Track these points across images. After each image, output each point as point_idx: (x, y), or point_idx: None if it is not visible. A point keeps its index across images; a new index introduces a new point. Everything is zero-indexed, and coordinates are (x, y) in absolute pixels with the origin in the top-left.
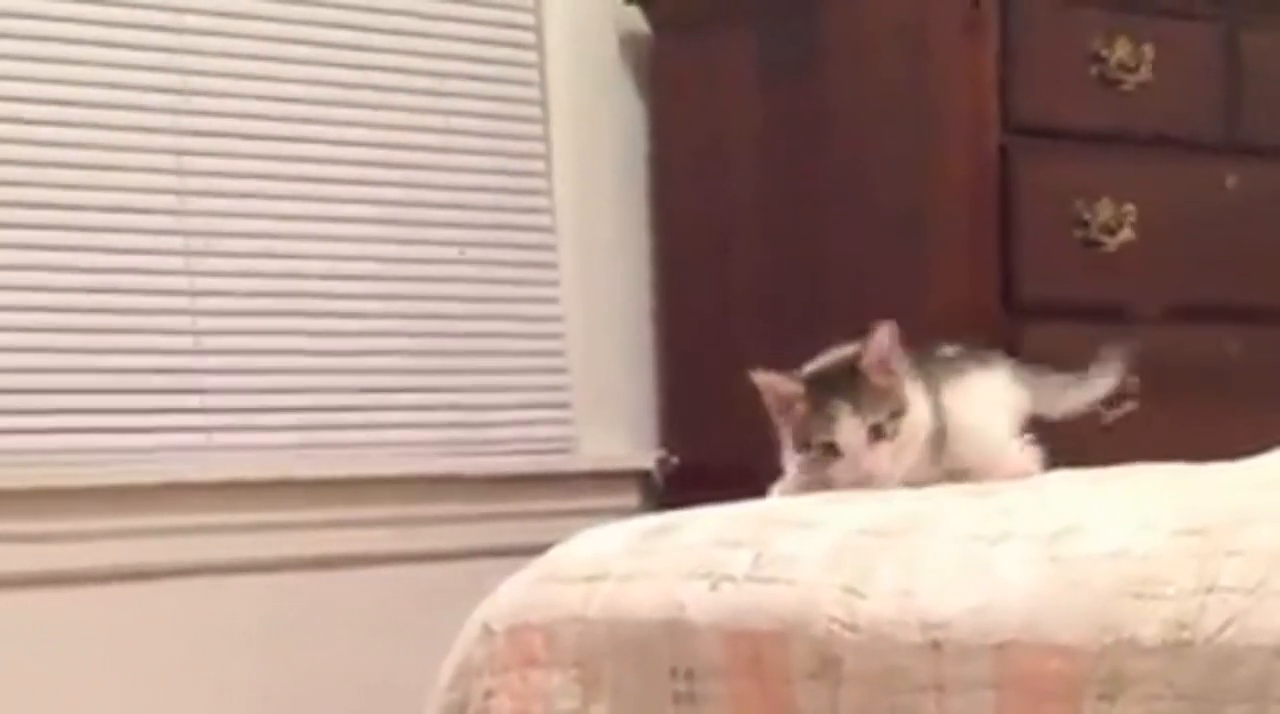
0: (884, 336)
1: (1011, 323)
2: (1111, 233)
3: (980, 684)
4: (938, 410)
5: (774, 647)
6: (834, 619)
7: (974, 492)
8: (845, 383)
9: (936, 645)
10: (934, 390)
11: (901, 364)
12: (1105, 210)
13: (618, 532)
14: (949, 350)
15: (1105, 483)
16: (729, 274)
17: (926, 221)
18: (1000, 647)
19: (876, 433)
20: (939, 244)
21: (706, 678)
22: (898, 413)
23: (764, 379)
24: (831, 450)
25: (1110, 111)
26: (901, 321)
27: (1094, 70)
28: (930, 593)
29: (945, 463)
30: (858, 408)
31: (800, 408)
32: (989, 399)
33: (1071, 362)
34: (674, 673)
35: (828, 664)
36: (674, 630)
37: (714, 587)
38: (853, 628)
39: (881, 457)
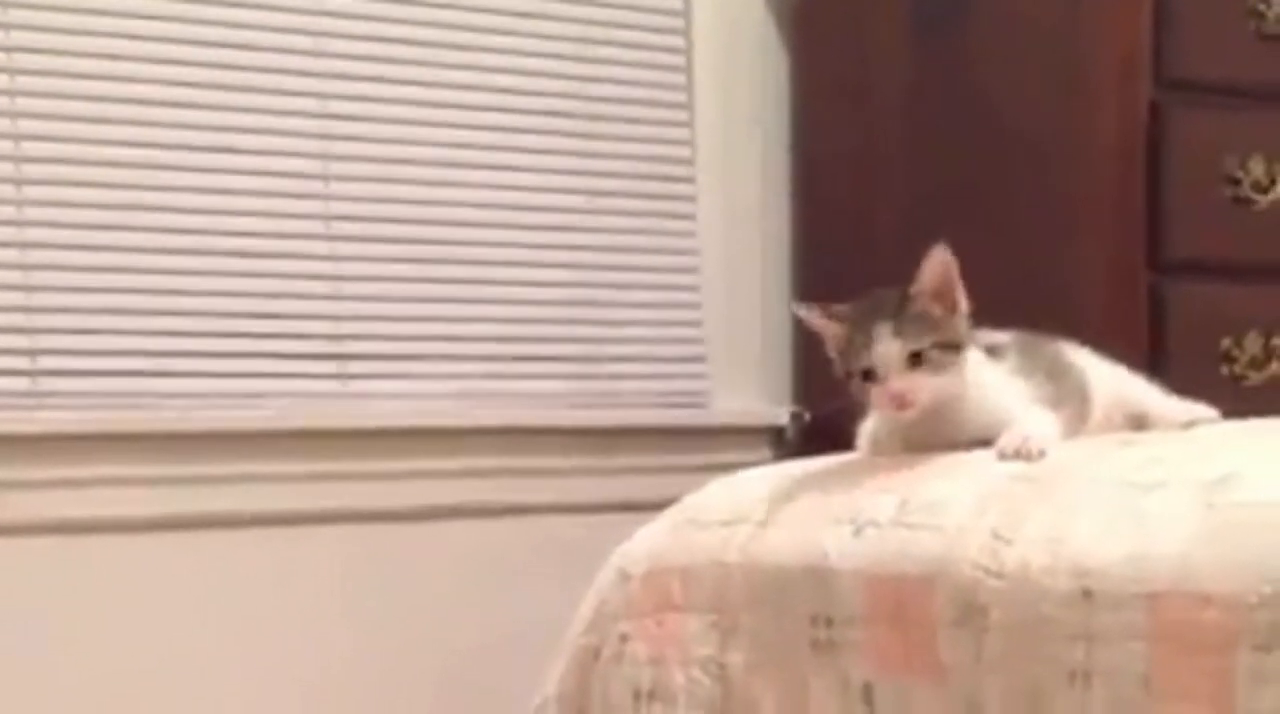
0: (937, 259)
1: (1157, 280)
2: (1263, 191)
3: (1132, 634)
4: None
5: (917, 594)
6: (980, 566)
7: (1125, 441)
8: (891, 307)
9: (1087, 594)
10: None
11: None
12: (1257, 168)
13: (757, 477)
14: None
15: (1261, 433)
16: (870, 229)
17: (1074, 176)
18: (1153, 596)
19: (916, 360)
20: (1086, 199)
21: (847, 625)
22: (949, 346)
23: (802, 311)
24: (870, 376)
25: (1266, 67)
26: (1047, 277)
27: (1251, 25)
28: (1081, 540)
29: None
30: (899, 331)
31: (839, 336)
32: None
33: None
34: (814, 619)
35: (973, 612)
36: (815, 576)
37: (857, 532)
38: (1000, 575)
39: (915, 382)
